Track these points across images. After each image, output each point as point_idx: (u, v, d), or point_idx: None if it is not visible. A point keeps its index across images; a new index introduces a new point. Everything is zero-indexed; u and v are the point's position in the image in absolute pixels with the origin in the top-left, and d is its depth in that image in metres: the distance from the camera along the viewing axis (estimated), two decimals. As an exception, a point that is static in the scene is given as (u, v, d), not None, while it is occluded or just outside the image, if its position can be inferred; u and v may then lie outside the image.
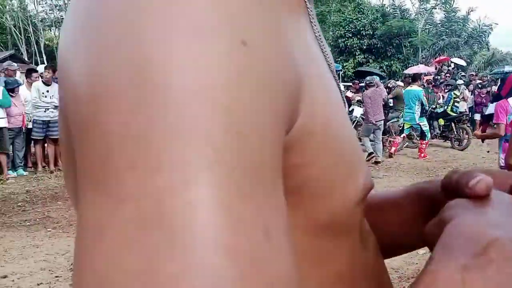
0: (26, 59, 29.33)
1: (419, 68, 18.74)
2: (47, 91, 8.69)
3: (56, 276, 4.01)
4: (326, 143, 0.36)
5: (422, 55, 29.28)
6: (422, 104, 9.88)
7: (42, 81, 8.77)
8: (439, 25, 33.78)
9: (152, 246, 0.22)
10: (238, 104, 0.25)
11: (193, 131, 0.24)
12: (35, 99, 8.62)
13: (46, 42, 36.92)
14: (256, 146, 0.26)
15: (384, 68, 28.00)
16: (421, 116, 9.91)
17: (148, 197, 0.23)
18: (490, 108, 5.55)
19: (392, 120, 10.78)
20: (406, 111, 10.07)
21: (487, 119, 5.62)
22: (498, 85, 5.43)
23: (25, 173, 8.66)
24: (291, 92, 0.30)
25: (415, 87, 10.00)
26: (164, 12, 0.25)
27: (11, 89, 8.40)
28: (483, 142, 8.67)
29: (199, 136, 0.24)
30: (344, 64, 27.59)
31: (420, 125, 9.88)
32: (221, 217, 0.23)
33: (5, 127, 8.22)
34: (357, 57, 28.85)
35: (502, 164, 4.92)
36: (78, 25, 0.29)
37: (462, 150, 10.86)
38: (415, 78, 10.53)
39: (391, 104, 11.28)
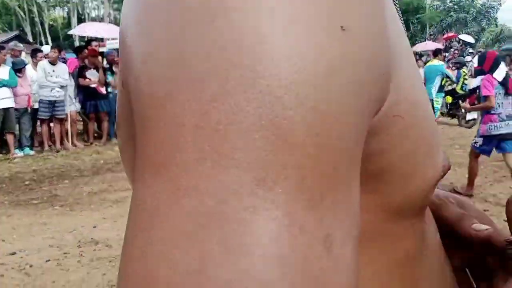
0: (31, 39, 29.32)
1: (426, 45, 18.55)
2: (53, 71, 8.71)
3: (64, 253, 4.06)
4: (409, 126, 0.33)
5: (429, 32, 28.98)
6: (447, 78, 9.84)
7: (48, 60, 8.78)
8: (447, 1, 33.34)
9: (206, 246, 0.21)
10: (325, 105, 0.23)
11: (273, 131, 0.22)
12: (41, 79, 8.64)
13: (51, 23, 36.85)
14: (335, 150, 0.24)
15: (391, 45, 27.77)
16: (439, 91, 9.84)
17: (213, 194, 0.22)
18: (474, 82, 5.86)
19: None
20: (426, 86, 10.02)
21: (473, 93, 5.96)
22: (478, 60, 5.78)
23: (31, 152, 8.72)
24: (382, 75, 0.28)
25: (436, 62, 9.93)
26: None
27: (18, 69, 8.43)
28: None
29: (278, 136, 0.22)
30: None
31: (433, 101, 9.80)
32: (281, 226, 0.22)
33: (12, 107, 8.27)
34: (363, 34, 28.58)
35: (481, 134, 5.14)
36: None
37: (469, 127, 10.79)
38: (436, 53, 10.42)
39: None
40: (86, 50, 9.79)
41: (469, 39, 23.02)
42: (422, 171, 0.36)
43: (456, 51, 18.07)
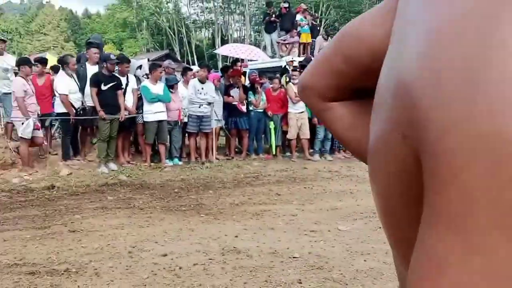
0: (179, 58, 31.44)
1: None
2: (202, 88, 9.33)
3: (210, 259, 4.26)
4: None
5: None
6: None
7: (198, 79, 9.44)
8: None
9: None
10: None
11: None
12: (191, 95, 9.31)
13: (197, 43, 39.19)
14: None
15: None
16: None
17: (501, 257, 0.24)
18: None
19: None
20: None
21: None
22: None
23: (180, 162, 9.37)
24: None
25: None
26: None
27: (171, 85, 9.19)
28: None
29: None
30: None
31: None
32: None
33: (165, 120, 9.01)
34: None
35: None
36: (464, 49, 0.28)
37: None
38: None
39: None
40: (231, 70, 10.39)
41: None
42: None
43: None
